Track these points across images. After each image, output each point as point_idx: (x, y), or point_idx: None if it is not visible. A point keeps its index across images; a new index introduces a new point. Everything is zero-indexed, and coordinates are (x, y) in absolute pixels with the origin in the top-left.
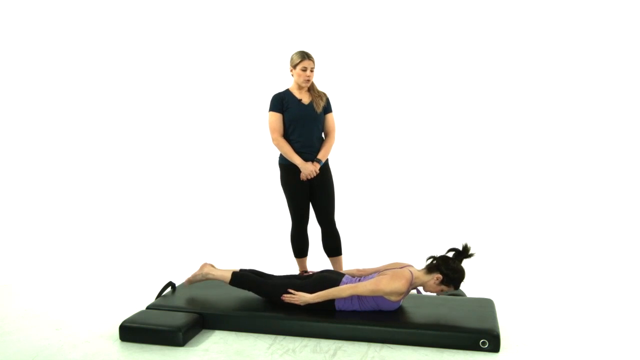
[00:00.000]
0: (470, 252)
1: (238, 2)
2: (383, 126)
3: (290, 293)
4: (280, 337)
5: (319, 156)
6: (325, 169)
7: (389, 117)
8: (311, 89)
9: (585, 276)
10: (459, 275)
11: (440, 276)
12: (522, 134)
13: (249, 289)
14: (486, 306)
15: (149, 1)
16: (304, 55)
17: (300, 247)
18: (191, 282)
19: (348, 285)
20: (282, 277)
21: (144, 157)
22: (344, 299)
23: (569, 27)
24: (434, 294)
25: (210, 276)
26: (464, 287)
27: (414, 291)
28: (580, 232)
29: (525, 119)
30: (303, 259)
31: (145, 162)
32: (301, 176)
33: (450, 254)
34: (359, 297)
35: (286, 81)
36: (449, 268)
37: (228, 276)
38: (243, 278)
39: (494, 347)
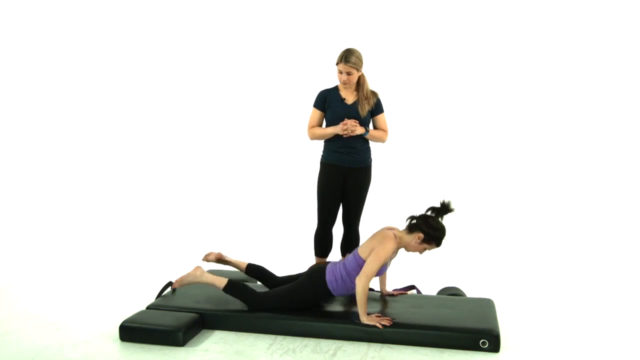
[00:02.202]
0: (450, 207)
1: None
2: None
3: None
4: (280, 337)
5: (369, 130)
6: (366, 172)
7: (412, 123)
8: (360, 88)
9: (585, 276)
10: (440, 232)
11: (421, 235)
12: (523, 134)
13: (241, 300)
14: (486, 306)
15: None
16: (340, 58)
17: (322, 247)
18: (181, 284)
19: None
20: (282, 278)
21: (144, 156)
22: (336, 280)
23: (581, 31)
24: (429, 295)
25: (203, 279)
26: (463, 286)
27: (413, 291)
28: (580, 232)
29: (527, 121)
30: (323, 258)
31: (145, 162)
32: (342, 133)
33: (430, 213)
34: (350, 277)
35: (303, 81)
36: (429, 226)
37: (222, 282)
38: (237, 288)
39: (494, 347)
